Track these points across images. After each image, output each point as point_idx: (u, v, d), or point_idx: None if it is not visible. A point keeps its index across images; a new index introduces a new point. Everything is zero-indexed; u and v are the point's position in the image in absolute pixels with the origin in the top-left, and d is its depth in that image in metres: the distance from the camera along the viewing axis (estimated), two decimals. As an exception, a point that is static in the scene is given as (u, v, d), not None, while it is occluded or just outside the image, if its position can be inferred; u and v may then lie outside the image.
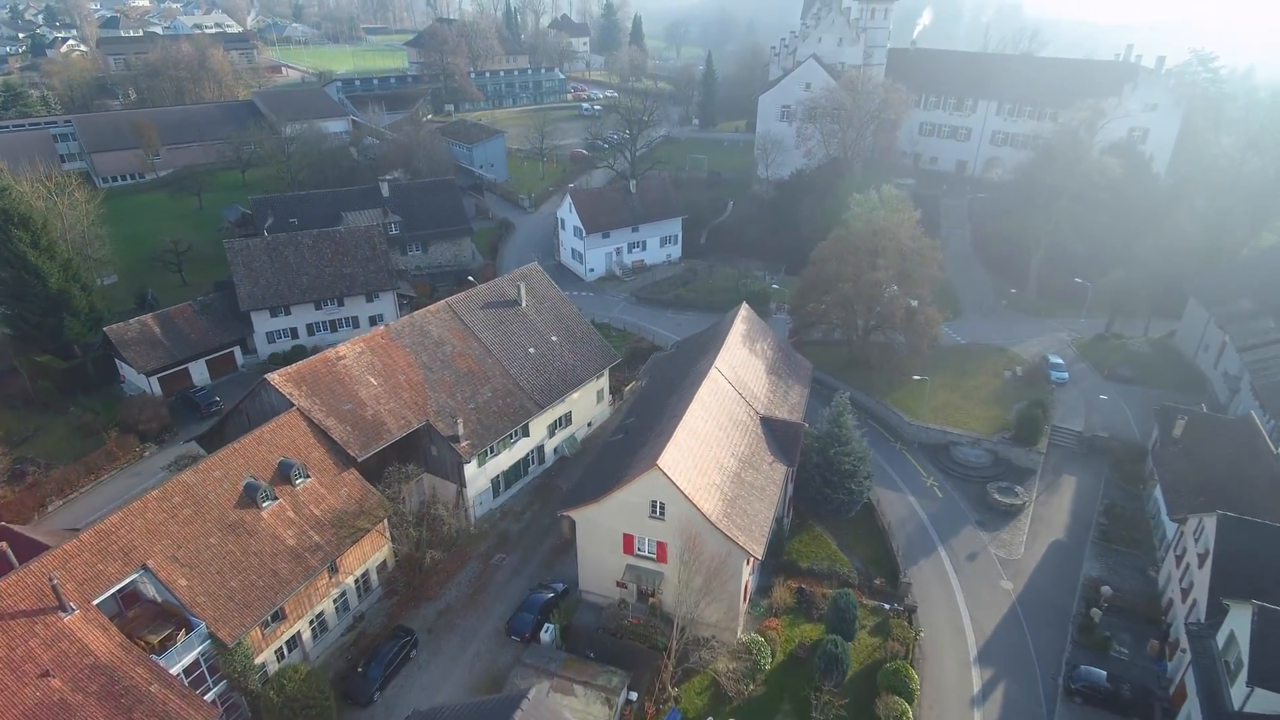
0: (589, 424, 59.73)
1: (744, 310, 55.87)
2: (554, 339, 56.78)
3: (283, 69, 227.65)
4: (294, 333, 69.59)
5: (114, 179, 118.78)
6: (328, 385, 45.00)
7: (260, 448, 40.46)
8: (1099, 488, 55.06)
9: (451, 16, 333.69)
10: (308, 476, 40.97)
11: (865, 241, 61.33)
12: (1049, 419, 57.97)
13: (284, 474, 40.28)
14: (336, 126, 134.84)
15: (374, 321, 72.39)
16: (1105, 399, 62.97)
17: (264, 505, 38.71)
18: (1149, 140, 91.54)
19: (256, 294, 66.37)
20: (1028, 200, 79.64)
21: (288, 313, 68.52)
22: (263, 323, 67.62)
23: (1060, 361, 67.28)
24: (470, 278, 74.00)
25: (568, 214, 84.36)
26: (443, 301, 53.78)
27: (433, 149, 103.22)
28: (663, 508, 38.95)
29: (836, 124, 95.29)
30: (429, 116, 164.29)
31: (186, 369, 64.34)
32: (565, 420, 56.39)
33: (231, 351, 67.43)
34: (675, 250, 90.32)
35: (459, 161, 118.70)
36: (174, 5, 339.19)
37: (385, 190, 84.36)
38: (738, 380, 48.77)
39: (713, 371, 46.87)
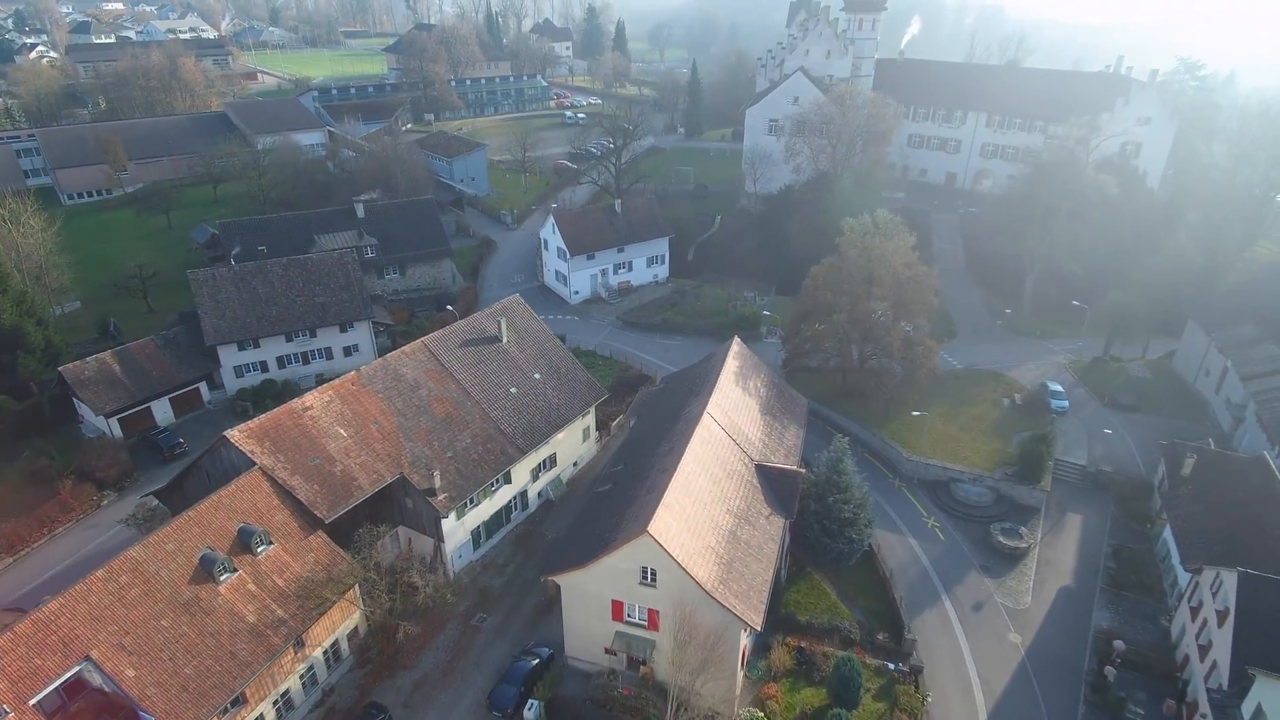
0: (575, 463, 57.04)
1: (735, 346, 53.39)
2: (537, 376, 54.04)
3: (259, 75, 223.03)
4: (264, 366, 66.30)
5: (79, 196, 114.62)
6: (293, 440, 41.99)
7: (218, 514, 37.44)
8: (1105, 527, 53.08)
9: (431, 21, 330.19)
10: (270, 543, 38.00)
11: (859, 269, 59.04)
12: (1052, 454, 55.94)
13: (244, 542, 37.29)
14: (312, 138, 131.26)
15: (348, 352, 69.30)
16: (1110, 433, 60.79)
17: (221, 579, 35.73)
18: (1142, 154, 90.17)
19: (223, 327, 63.05)
20: (1022, 219, 77.83)
21: (256, 346, 65.23)
22: (230, 357, 64.31)
23: (1060, 389, 65.37)
24: (449, 306, 71.02)
25: (551, 235, 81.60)
26: (418, 341, 50.87)
27: (411, 164, 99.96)
28: (654, 574, 36.37)
29: (825, 139, 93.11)
30: (408, 126, 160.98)
31: (149, 408, 60.95)
32: (550, 462, 53.67)
33: (197, 387, 64.10)
34: (662, 270, 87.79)
35: (438, 176, 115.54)
36: (148, 9, 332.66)
37: (360, 211, 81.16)
38: (731, 425, 46.27)
39: (705, 418, 44.34)
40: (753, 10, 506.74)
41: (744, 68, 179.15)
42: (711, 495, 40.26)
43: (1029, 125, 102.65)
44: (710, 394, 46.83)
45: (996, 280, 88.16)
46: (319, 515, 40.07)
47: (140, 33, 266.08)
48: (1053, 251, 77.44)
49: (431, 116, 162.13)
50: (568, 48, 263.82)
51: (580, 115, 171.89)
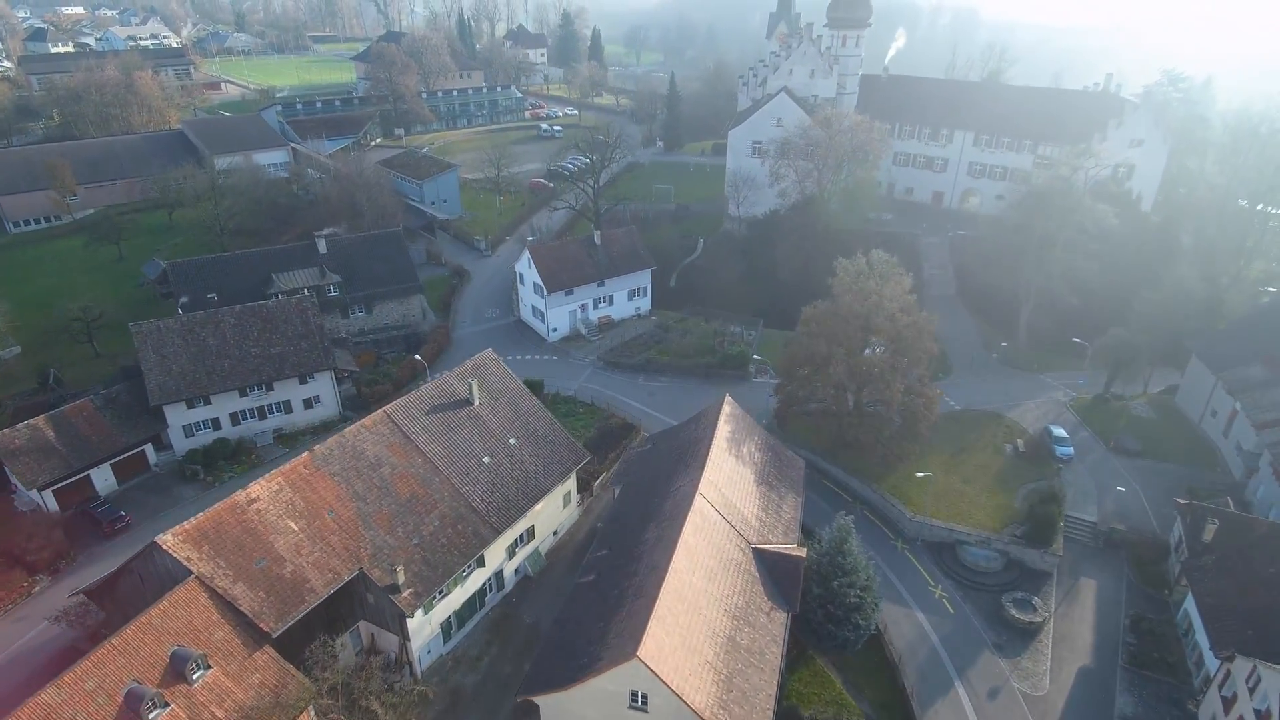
0: (554, 532, 52.87)
1: (727, 407, 49.55)
2: (512, 441, 49.79)
3: (222, 85, 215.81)
4: (215, 424, 61.30)
5: (24, 223, 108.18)
6: (235, 540, 37.38)
7: (146, 638, 32.82)
8: (1121, 594, 49.94)
9: (402, 27, 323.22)
10: (208, 668, 33.43)
11: (855, 317, 55.46)
12: (1062, 513, 52.75)
13: (178, 670, 32.70)
14: (275, 158, 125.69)
15: (309, 405, 64.51)
16: (1123, 490, 57.43)
17: (150, 718, 31.13)
18: (1135, 177, 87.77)
19: (169, 385, 57.99)
20: (1016, 249, 74.84)
21: (207, 403, 60.21)
22: (178, 416, 59.26)
23: (1064, 435, 62.28)
24: (418, 355, 66.24)
25: (526, 269, 77.25)
26: (380, 412, 46.35)
27: (377, 189, 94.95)
28: (645, 698, 32.39)
29: (811, 161, 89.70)
30: (377, 141, 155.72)
31: (88, 476, 55.82)
32: (527, 535, 49.46)
33: (143, 450, 58.99)
34: (645, 303, 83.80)
35: (407, 199, 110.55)
36: (109, 13, 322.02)
37: (322, 247, 76.21)
38: (725, 503, 42.38)
39: (697, 499, 40.44)
40: (730, 13, 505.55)
41: (723, 79, 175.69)
42: (707, 596, 36.34)
43: (1017, 145, 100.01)
44: (702, 468, 42.96)
45: (989, 308, 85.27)
46: (265, 628, 35.55)
47: (100, 39, 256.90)
48: (1049, 284, 74.51)
49: (401, 131, 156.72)
50: (542, 54, 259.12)
51: (556, 128, 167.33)
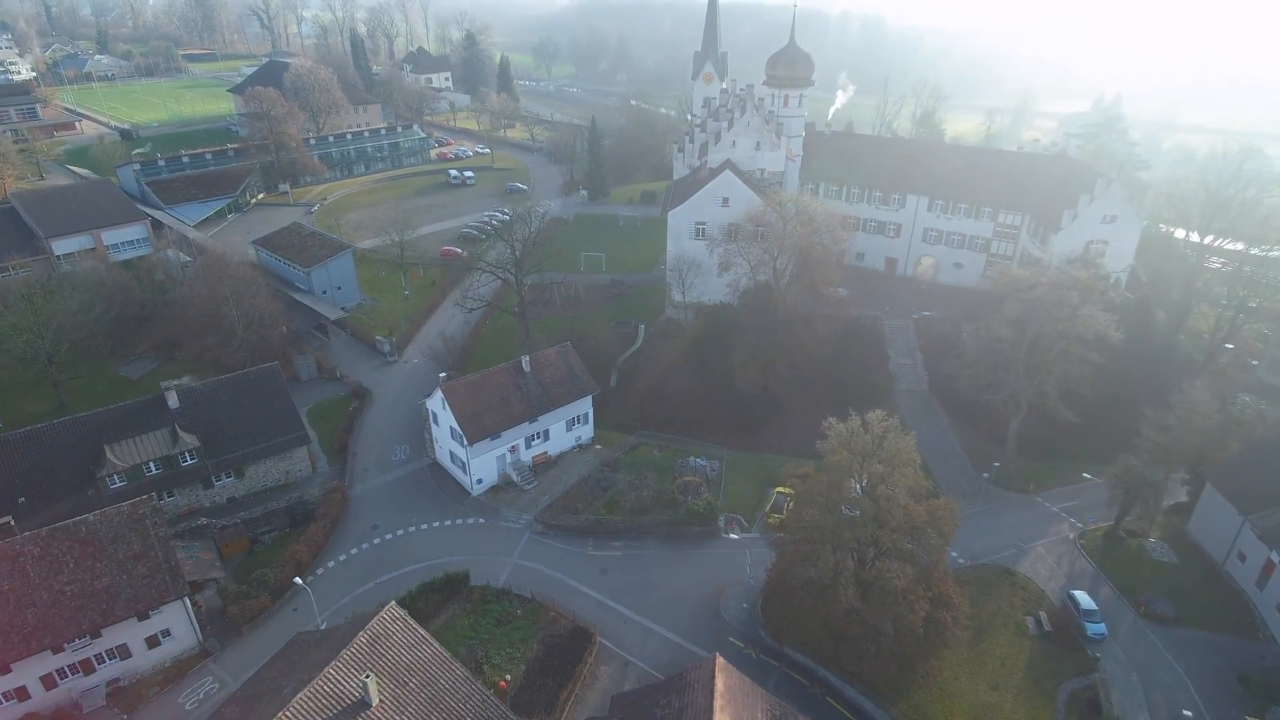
0: (495, 845, 39.62)
1: (720, 682, 37.39)
2: (431, 747, 36.29)
3: (77, 123, 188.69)
4: (21, 694, 45.07)
5: None
6: None
7: None
8: None
9: (289, 46, 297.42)
10: None
11: (862, 527, 44.53)
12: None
13: None
14: (130, 234, 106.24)
15: (154, 643, 48.87)
16: (1189, 715, 47.86)
17: None
18: (1108, 253, 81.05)
19: (-62, 666, 41.57)
20: (1003, 358, 66.01)
21: (7, 671, 43.99)
22: (-42, 700, 42.87)
23: (1093, 607, 53.32)
24: (297, 579, 50.89)
25: (441, 410, 63.28)
26: (232, 766, 32.09)
27: (250, 293, 78.44)
28: None
29: (763, 247, 79.02)
30: (259, 197, 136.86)
31: None
32: None
33: (-96, 755, 42.35)
34: (586, 430, 71.10)
35: (292, 287, 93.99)
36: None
37: (173, 400, 60.09)
38: None
39: None
40: (639, 20, 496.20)
41: (646, 119, 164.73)
42: None
43: (977, 212, 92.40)
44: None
45: (967, 408, 76.58)
46: None
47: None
48: (1040, 397, 66.10)
49: (287, 186, 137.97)
50: (446, 79, 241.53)
51: (468, 173, 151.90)
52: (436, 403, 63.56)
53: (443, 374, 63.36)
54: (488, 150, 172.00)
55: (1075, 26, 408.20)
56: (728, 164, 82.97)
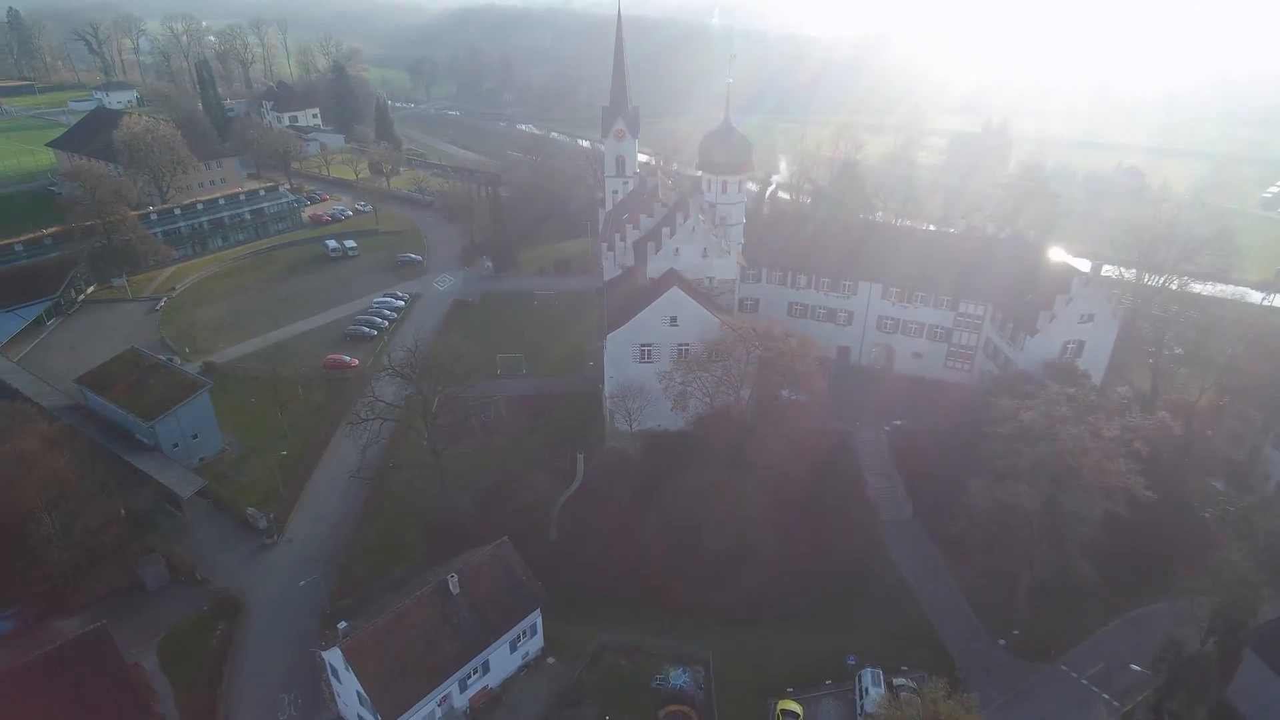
0: None
1: None
2: None
3: None
4: None
5: None
6: None
7: None
8: None
9: (125, 84, 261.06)
10: None
11: None
12: None
13: None
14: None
15: None
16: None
17: None
18: (1085, 353, 74.68)
19: None
20: (1018, 524, 57.08)
21: None
22: None
23: None
24: None
25: (343, 670, 47.50)
26: None
27: (58, 482, 58.94)
28: None
29: (723, 365, 67.63)
30: (89, 291, 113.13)
31: None
32: None
33: None
34: (535, 642, 56.87)
35: (132, 442, 74.33)
36: None
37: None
38: None
39: None
40: (521, 33, 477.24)
41: (549, 170, 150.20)
42: None
43: (935, 300, 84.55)
44: None
45: (958, 541, 67.71)
46: None
47: None
48: (1055, 554, 57.78)
49: (124, 277, 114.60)
50: (315, 115, 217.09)
51: (349, 243, 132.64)
52: (336, 658, 47.76)
53: (342, 624, 47.41)
54: (370, 208, 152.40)
55: (942, 34, 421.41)
56: (673, 275, 70.76)
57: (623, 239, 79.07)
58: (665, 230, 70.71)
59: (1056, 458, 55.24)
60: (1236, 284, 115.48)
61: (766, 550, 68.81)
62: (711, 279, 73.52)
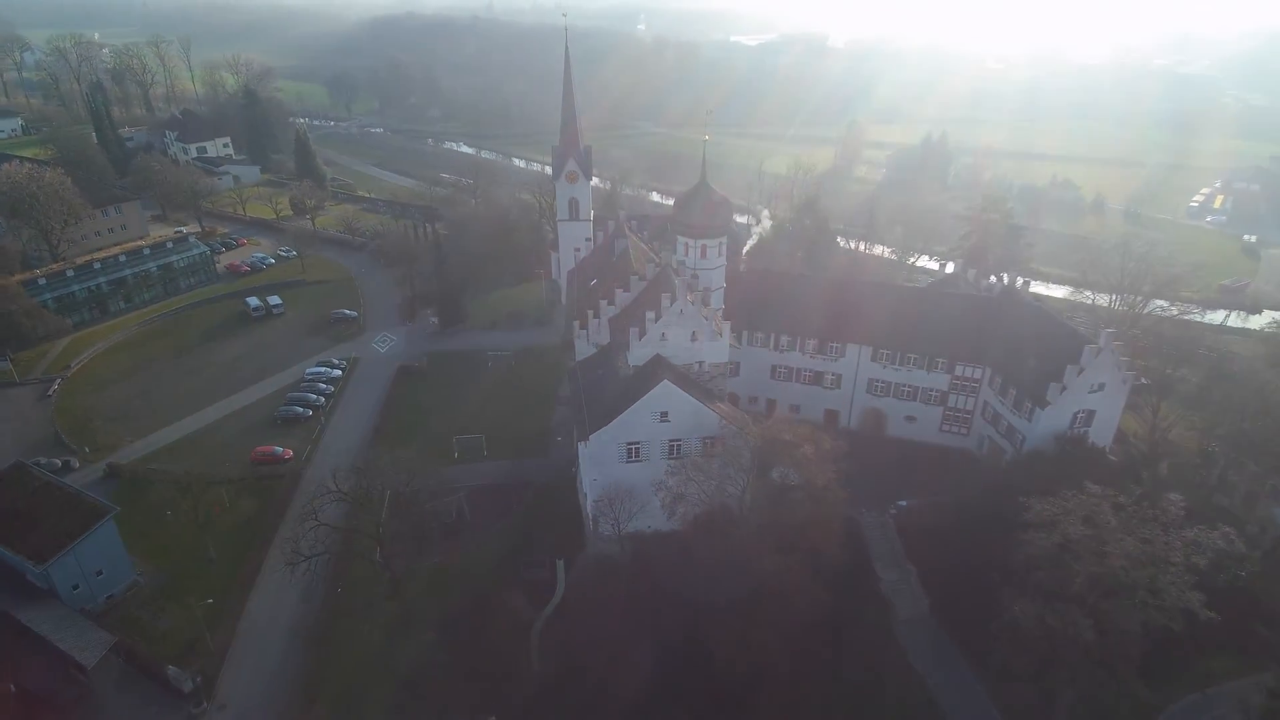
0: None
1: None
2: None
3: None
4: None
5: None
6: None
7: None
8: None
9: (10, 110, 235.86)
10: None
11: None
12: None
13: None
14: None
15: None
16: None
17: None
18: (1095, 423, 70.50)
19: None
20: (1053, 651, 51.51)
21: None
22: None
23: None
24: None
25: None
26: None
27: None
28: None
29: (717, 462, 60.27)
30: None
31: None
32: None
33: None
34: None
35: (22, 587, 61.77)
36: None
37: None
38: None
39: None
40: (444, 43, 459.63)
41: (493, 207, 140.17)
42: None
43: (929, 363, 79.36)
44: None
45: (983, 634, 62.14)
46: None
47: None
48: (1107, 676, 52.63)
49: (6, 358, 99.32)
50: (226, 145, 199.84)
51: (274, 300, 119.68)
52: None
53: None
54: (294, 253, 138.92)
55: (874, 40, 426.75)
56: (660, 364, 62.82)
57: (596, 316, 70.67)
58: (649, 314, 62.66)
59: (1110, 576, 49.90)
60: (1183, 301, 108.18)
61: (779, 669, 61.99)
62: (702, 363, 65.97)
